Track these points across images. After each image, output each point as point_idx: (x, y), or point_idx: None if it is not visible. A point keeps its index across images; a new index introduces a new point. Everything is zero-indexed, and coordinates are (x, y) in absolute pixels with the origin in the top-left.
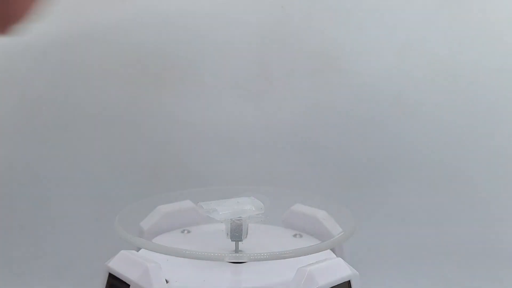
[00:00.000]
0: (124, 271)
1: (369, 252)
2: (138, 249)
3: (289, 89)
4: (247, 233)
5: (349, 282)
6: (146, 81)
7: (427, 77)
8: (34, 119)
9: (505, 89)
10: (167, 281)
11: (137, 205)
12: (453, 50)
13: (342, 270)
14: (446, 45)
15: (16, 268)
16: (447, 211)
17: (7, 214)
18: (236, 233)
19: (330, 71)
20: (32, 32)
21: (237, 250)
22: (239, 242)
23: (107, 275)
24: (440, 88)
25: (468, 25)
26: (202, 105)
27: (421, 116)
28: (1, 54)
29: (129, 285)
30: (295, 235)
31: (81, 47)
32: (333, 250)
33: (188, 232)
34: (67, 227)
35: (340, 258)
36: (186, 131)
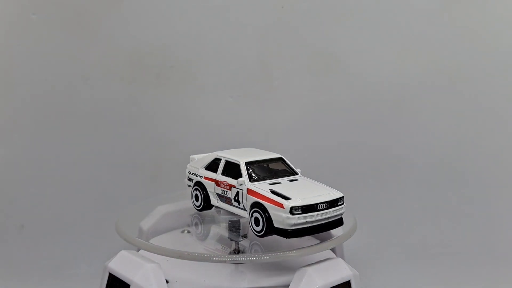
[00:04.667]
0: (124, 271)
1: (369, 252)
2: (138, 249)
3: (289, 89)
4: (247, 234)
5: (349, 282)
6: (146, 81)
7: (427, 77)
8: (34, 119)
9: (505, 89)
10: (167, 281)
11: (137, 205)
12: (453, 50)
13: (342, 270)
14: (446, 45)
15: (16, 268)
16: (447, 211)
17: (7, 214)
18: (236, 233)
19: (330, 71)
20: (31, 33)
21: (237, 251)
22: (239, 243)
23: (107, 275)
24: (440, 89)
25: (468, 25)
26: (202, 105)
27: (421, 116)
28: (2, 55)
29: (129, 285)
30: None
31: (81, 47)
32: (333, 250)
33: (188, 232)
34: (67, 227)
35: (340, 258)
36: (186, 131)
